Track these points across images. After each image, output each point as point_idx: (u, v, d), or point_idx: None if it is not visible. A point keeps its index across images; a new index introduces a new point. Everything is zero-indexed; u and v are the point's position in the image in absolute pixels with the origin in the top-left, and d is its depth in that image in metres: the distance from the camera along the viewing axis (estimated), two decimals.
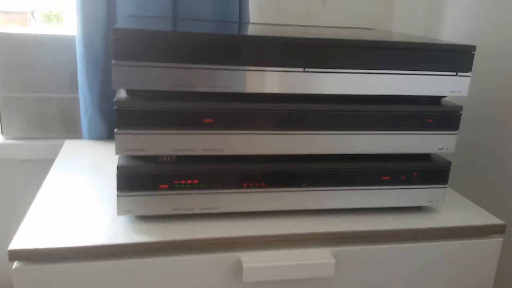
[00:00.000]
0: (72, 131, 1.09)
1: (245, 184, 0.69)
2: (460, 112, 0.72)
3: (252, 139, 0.66)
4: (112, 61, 0.60)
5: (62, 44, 1.04)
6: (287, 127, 0.67)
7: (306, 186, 0.71)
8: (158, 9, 0.98)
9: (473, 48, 0.70)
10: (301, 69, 0.65)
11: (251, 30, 0.82)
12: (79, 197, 0.74)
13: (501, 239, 0.75)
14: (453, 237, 0.74)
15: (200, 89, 0.63)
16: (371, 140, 0.70)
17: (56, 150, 0.99)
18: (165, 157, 0.66)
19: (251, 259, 0.65)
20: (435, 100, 0.74)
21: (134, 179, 0.65)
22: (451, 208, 0.79)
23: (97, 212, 0.69)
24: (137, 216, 0.68)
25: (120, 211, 0.66)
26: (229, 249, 0.66)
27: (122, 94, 0.65)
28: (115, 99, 0.62)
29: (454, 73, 0.70)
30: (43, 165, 0.96)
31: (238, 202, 0.69)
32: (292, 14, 1.15)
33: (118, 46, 0.60)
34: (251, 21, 1.07)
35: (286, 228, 0.69)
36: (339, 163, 0.71)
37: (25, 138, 1.06)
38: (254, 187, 0.69)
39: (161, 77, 0.61)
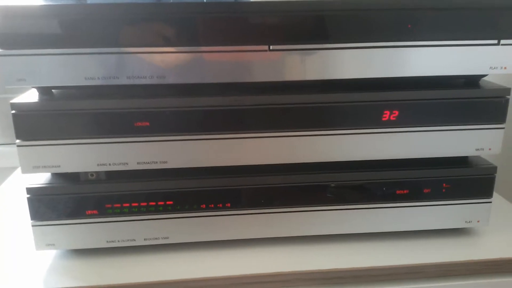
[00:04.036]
0: None
1: (203, 205, 0.51)
2: (507, 97, 0.50)
3: (206, 145, 0.49)
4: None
5: None
6: (255, 127, 0.49)
7: (287, 206, 0.52)
8: None
9: None
10: (266, 47, 0.46)
11: None
12: (13, 223, 0.60)
13: None
14: (502, 273, 0.52)
15: (123, 81, 0.46)
16: (382, 142, 0.50)
17: None
18: (90, 174, 0.49)
19: None
20: (471, 81, 0.53)
21: (52, 204, 0.49)
22: (498, 228, 0.57)
23: (21, 244, 0.55)
24: (68, 250, 0.53)
25: (39, 245, 0.50)
26: None
27: (30, 94, 0.49)
28: (11, 101, 0.46)
29: (496, 41, 0.48)
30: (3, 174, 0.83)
31: (195, 229, 0.52)
32: None
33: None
34: None
35: (260, 265, 0.51)
36: (334, 174, 0.52)
37: None
38: (216, 209, 0.52)
39: (66, 69, 0.45)
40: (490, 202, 0.54)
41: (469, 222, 0.55)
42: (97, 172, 0.49)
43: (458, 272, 0.52)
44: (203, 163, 0.49)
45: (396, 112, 0.50)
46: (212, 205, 0.51)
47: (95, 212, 0.50)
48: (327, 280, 0.50)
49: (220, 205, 0.51)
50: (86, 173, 0.49)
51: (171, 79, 0.46)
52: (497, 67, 0.49)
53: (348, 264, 0.51)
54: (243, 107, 0.48)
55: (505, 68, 0.48)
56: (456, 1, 0.47)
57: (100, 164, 0.48)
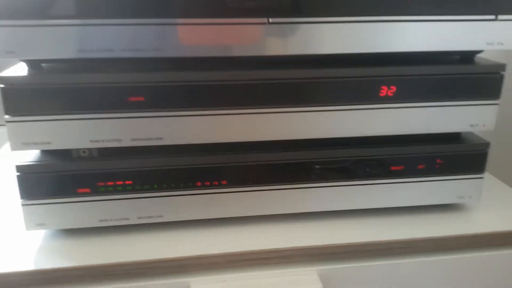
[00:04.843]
0: None
1: (199, 183, 0.51)
2: (502, 73, 0.51)
3: (203, 121, 0.48)
4: None
5: None
6: (251, 103, 0.48)
7: (283, 183, 0.52)
8: None
9: None
10: (265, 20, 0.45)
11: None
12: (0, 202, 0.58)
13: None
14: (493, 246, 0.53)
15: (118, 54, 0.44)
16: (378, 118, 0.50)
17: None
18: (82, 151, 0.48)
19: (207, 286, 0.48)
20: (466, 57, 0.53)
21: (42, 182, 0.48)
22: (490, 204, 0.58)
23: (10, 224, 0.53)
24: (59, 230, 0.51)
25: (29, 225, 0.49)
26: (178, 272, 0.48)
27: (18, 67, 0.47)
28: (0, 74, 0.44)
29: (493, 16, 0.48)
30: None
31: (190, 207, 0.51)
32: None
33: None
34: None
35: (256, 241, 0.50)
36: (329, 150, 0.52)
37: None
38: (211, 186, 0.51)
39: (59, 40, 0.43)
40: (482, 177, 0.55)
41: (461, 197, 0.55)
42: (89, 149, 0.48)
43: (451, 246, 0.53)
44: (199, 139, 0.48)
45: (394, 88, 0.50)
46: (208, 183, 0.51)
47: (87, 190, 0.49)
48: (323, 255, 0.51)
49: (216, 183, 0.51)
50: (78, 150, 0.48)
51: (166, 53, 0.45)
52: (493, 43, 0.49)
53: (343, 239, 0.51)
54: (240, 82, 0.47)
55: (502, 44, 0.49)
56: None
57: (93, 141, 0.47)
